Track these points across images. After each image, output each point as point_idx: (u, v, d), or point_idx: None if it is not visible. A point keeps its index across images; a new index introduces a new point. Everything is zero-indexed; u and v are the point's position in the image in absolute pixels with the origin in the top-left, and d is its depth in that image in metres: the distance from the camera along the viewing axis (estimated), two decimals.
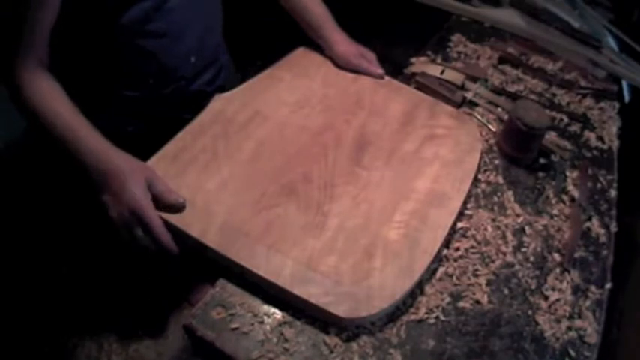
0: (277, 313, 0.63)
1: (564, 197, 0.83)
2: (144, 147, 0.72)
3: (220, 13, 0.90)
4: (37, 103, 0.67)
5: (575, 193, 0.84)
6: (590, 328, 0.67)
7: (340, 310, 0.60)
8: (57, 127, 0.67)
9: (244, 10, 0.93)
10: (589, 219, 0.81)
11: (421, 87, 0.96)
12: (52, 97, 0.68)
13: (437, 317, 0.65)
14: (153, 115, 0.86)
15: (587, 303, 0.70)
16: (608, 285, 0.73)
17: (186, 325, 0.61)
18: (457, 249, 0.73)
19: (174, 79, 0.84)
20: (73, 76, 0.73)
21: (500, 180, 0.84)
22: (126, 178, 0.65)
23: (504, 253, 0.73)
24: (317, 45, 0.95)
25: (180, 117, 0.80)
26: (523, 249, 0.75)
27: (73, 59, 0.77)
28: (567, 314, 0.68)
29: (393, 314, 0.64)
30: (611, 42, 1.20)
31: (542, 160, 0.88)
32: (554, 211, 0.81)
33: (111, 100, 0.82)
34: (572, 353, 0.65)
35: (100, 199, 0.67)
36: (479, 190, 0.81)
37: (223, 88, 0.87)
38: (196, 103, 0.82)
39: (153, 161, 0.72)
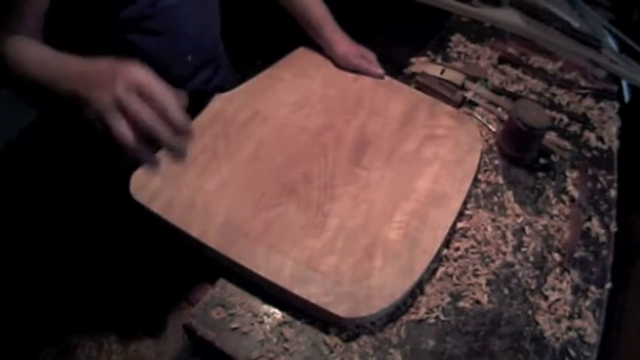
0: (277, 313, 0.63)
1: (564, 197, 0.83)
2: None
3: (217, 11, 0.90)
4: (15, 58, 0.65)
5: (575, 193, 0.84)
6: (590, 328, 0.67)
7: (340, 310, 0.60)
8: (30, 65, 0.64)
9: (244, 10, 0.93)
10: (589, 219, 0.81)
11: (421, 87, 0.96)
12: (26, 45, 0.66)
13: (437, 317, 0.65)
14: None
15: (587, 303, 0.70)
16: (608, 285, 0.73)
17: (186, 325, 0.61)
18: (457, 249, 0.73)
19: (171, 78, 0.84)
20: None
21: (500, 180, 0.84)
22: (119, 66, 0.54)
23: (504, 253, 0.73)
24: (317, 45, 0.95)
25: (193, 105, 0.79)
26: (523, 249, 0.75)
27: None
28: (567, 314, 0.68)
29: (393, 314, 0.64)
30: (611, 42, 1.20)
31: (542, 160, 0.88)
32: (554, 211, 0.81)
33: None
34: (572, 353, 0.65)
35: (87, 104, 0.54)
36: (479, 190, 0.81)
37: (222, 88, 0.87)
38: (193, 103, 0.82)
39: None
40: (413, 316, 0.65)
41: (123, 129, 0.51)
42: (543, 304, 0.69)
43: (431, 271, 0.69)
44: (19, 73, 0.66)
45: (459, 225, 0.75)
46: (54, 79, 0.61)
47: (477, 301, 0.68)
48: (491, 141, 0.90)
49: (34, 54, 0.66)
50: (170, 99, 0.53)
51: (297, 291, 0.61)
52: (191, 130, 0.53)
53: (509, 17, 1.19)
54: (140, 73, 0.54)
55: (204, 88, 0.91)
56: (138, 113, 0.51)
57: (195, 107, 0.81)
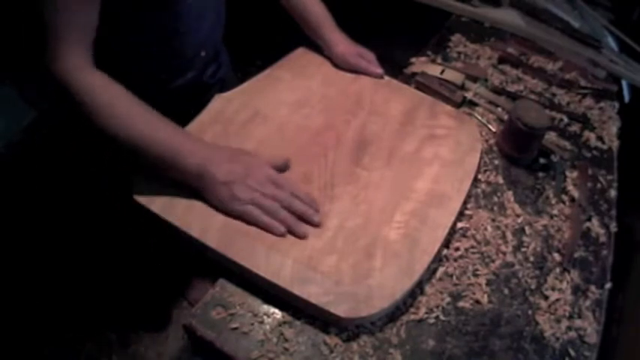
0: (277, 313, 0.63)
1: (564, 197, 0.83)
2: None
3: (224, 6, 0.90)
4: (106, 106, 0.64)
5: (575, 193, 0.84)
6: (590, 328, 0.67)
7: (340, 310, 0.60)
8: (144, 138, 0.64)
9: (244, 10, 0.93)
10: (589, 219, 0.81)
11: (421, 87, 0.96)
12: (124, 100, 0.65)
13: (437, 317, 0.65)
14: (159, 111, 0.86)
15: (587, 303, 0.70)
16: (608, 285, 0.73)
17: (186, 325, 0.61)
18: (457, 249, 0.73)
19: (185, 73, 0.85)
20: None
21: (500, 180, 0.84)
22: (249, 156, 0.69)
23: (504, 253, 0.73)
24: (317, 45, 0.95)
25: (185, 111, 0.80)
26: (523, 249, 0.75)
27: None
28: (567, 314, 0.68)
29: (393, 314, 0.64)
30: (611, 42, 1.21)
31: (542, 160, 0.88)
32: (554, 211, 0.81)
33: None
34: (572, 353, 0.65)
35: (214, 182, 0.65)
36: (479, 190, 0.81)
37: (224, 81, 0.87)
38: (200, 96, 0.83)
39: None
40: (413, 316, 0.65)
41: (267, 220, 0.65)
42: (543, 304, 0.69)
43: (431, 271, 0.69)
44: (105, 126, 0.63)
45: (459, 225, 0.75)
46: (176, 155, 0.65)
47: (477, 301, 0.68)
48: (491, 141, 0.90)
49: (144, 117, 0.65)
50: (294, 184, 0.70)
51: (297, 291, 0.61)
52: (315, 201, 0.70)
53: (509, 17, 1.19)
54: (270, 171, 0.69)
55: (210, 81, 0.92)
56: (277, 195, 0.66)
57: (198, 103, 0.81)
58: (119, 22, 0.71)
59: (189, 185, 0.67)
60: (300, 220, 0.67)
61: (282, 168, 0.72)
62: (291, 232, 0.66)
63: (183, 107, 0.83)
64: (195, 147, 0.66)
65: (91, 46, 0.66)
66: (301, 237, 0.66)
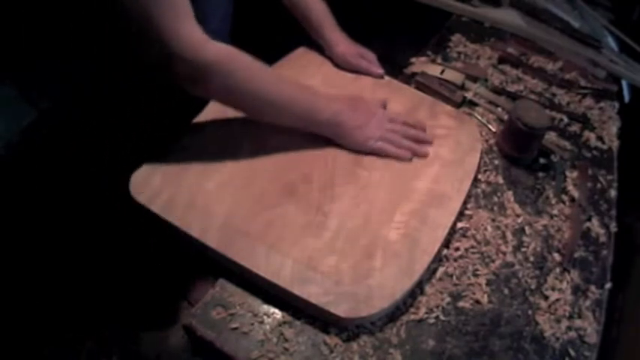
0: (277, 313, 0.63)
1: (564, 197, 0.83)
2: None
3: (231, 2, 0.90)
4: (246, 74, 0.68)
5: (575, 193, 0.84)
6: (590, 328, 0.67)
7: (340, 310, 0.60)
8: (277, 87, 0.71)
9: (244, 10, 0.93)
10: (589, 219, 0.81)
11: (421, 87, 0.96)
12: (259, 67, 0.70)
13: (437, 317, 0.65)
14: (170, 105, 0.86)
15: (587, 303, 0.70)
16: (608, 285, 0.73)
17: (186, 325, 0.61)
18: (457, 249, 0.73)
19: None
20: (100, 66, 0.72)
21: (500, 180, 0.84)
22: (365, 102, 0.81)
23: (504, 253, 0.73)
24: (317, 45, 0.95)
25: (194, 106, 0.79)
26: (523, 249, 0.75)
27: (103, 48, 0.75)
28: (567, 314, 0.68)
29: (393, 314, 0.64)
30: (611, 42, 1.21)
31: (542, 160, 0.88)
32: (554, 211, 0.81)
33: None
34: (572, 353, 0.65)
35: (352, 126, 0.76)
36: (479, 190, 0.81)
37: None
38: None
39: (153, 160, 0.72)
40: (413, 316, 0.65)
41: (396, 151, 0.78)
42: (543, 304, 0.69)
43: (431, 271, 0.69)
44: (247, 91, 0.68)
45: (459, 225, 0.75)
46: (310, 112, 0.74)
47: (477, 301, 0.68)
48: (491, 141, 0.90)
49: (281, 79, 0.73)
50: (400, 114, 0.84)
51: (297, 291, 0.61)
52: (424, 124, 0.83)
53: (509, 17, 1.19)
54: (383, 110, 0.82)
55: None
56: (395, 128, 0.79)
57: (199, 102, 0.81)
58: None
59: (323, 134, 0.77)
60: (417, 142, 0.79)
61: (385, 105, 0.85)
62: (415, 154, 0.78)
63: (189, 104, 0.83)
64: (324, 103, 0.75)
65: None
66: (425, 156, 0.79)
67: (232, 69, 0.66)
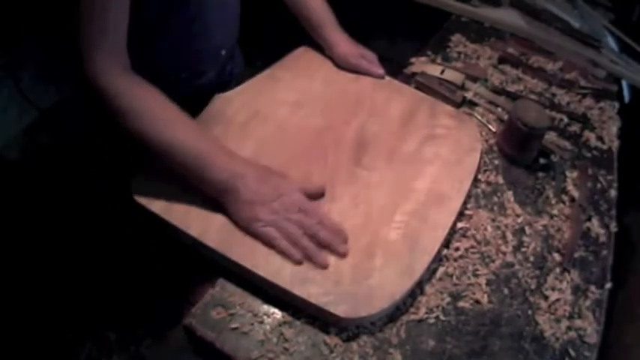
0: (277, 313, 0.63)
1: (564, 197, 0.83)
2: None
3: (239, 5, 0.91)
4: (142, 112, 0.64)
5: (575, 193, 0.84)
6: (590, 328, 0.67)
7: (340, 310, 0.60)
8: (175, 146, 0.64)
9: (244, 10, 0.93)
10: (589, 219, 0.81)
11: (421, 87, 0.96)
12: (161, 107, 0.65)
13: (437, 317, 0.65)
14: None
15: (587, 303, 0.70)
16: (608, 285, 0.73)
17: (186, 325, 0.61)
18: (457, 249, 0.73)
19: (204, 73, 0.85)
20: None
21: (500, 180, 0.84)
22: (280, 179, 0.68)
23: (504, 253, 0.73)
24: (317, 45, 0.95)
25: (193, 106, 0.80)
26: (523, 249, 0.75)
27: None
28: (567, 314, 0.68)
29: (393, 314, 0.64)
30: (611, 42, 1.21)
31: (542, 160, 0.88)
32: (554, 211, 0.81)
33: None
34: (572, 353, 0.65)
35: (237, 200, 0.64)
36: (479, 190, 0.81)
37: (237, 76, 0.88)
38: (213, 94, 0.83)
39: (153, 161, 0.72)
40: (413, 316, 0.65)
41: (285, 245, 0.63)
42: (543, 304, 0.69)
43: (431, 271, 0.69)
44: (137, 129, 0.63)
45: (459, 225, 0.75)
46: (203, 165, 0.64)
47: (477, 301, 0.68)
48: (491, 141, 0.90)
49: (182, 128, 0.65)
50: (323, 213, 0.68)
51: (297, 291, 0.61)
52: (344, 231, 0.67)
53: (509, 17, 1.19)
54: (300, 197, 0.67)
55: (227, 79, 0.93)
56: (303, 222, 0.65)
57: (200, 104, 0.81)
58: (144, 23, 0.71)
59: (212, 198, 0.66)
60: (324, 248, 0.65)
61: (315, 195, 0.70)
62: (310, 260, 0.63)
63: (198, 106, 0.83)
64: (226, 162, 0.65)
65: (125, 50, 0.66)
66: (322, 267, 0.63)
67: (127, 106, 0.63)
